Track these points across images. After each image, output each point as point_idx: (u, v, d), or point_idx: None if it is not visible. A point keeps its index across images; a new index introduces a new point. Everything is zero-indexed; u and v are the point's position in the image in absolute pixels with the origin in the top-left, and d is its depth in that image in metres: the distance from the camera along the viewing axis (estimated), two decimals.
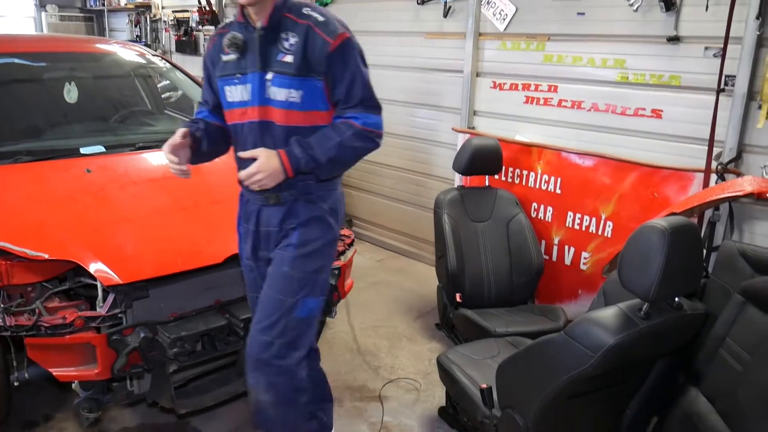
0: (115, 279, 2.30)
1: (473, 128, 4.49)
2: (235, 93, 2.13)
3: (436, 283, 3.86)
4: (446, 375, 2.80)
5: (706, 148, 3.18)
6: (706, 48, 3.27)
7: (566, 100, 3.93)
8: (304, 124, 2.08)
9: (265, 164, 2.00)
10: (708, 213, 3.24)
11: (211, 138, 2.24)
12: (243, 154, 2.08)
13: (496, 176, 3.98)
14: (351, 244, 3.18)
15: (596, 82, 3.77)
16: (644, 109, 3.56)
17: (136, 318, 2.38)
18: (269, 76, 2.04)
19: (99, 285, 2.34)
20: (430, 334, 3.83)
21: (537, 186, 3.95)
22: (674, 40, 3.36)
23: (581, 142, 3.82)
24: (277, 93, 2.05)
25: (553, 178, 3.85)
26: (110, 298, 2.34)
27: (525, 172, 4.01)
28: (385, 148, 5.17)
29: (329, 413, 2.59)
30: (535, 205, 3.97)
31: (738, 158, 3.21)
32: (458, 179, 4.34)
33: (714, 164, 3.19)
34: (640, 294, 2.02)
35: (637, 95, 3.59)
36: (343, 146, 2.05)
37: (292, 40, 2.03)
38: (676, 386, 2.72)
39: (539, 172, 3.92)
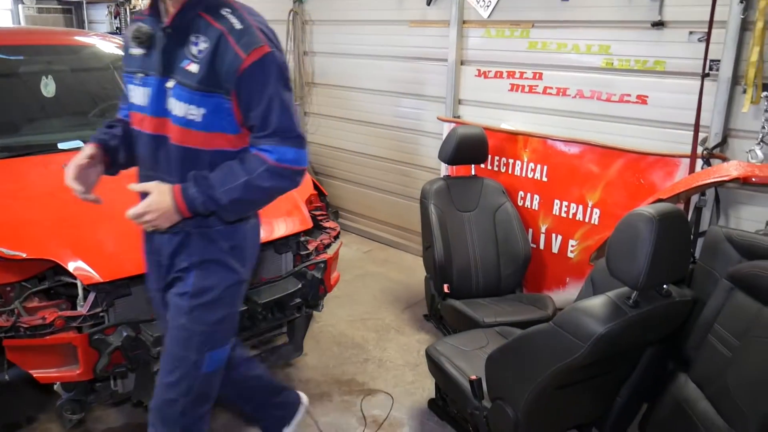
0: (96, 277, 2.24)
1: (458, 117, 4.46)
2: (136, 94, 1.85)
3: (423, 273, 3.84)
4: (435, 367, 2.78)
5: (692, 133, 3.17)
6: (691, 32, 3.25)
7: (551, 88, 3.90)
8: (204, 147, 1.79)
9: (157, 202, 1.74)
10: (694, 198, 3.24)
11: (130, 144, 1.96)
12: (135, 188, 1.80)
13: (482, 165, 3.96)
14: (337, 237, 3.15)
15: (581, 68, 3.74)
16: (629, 95, 3.55)
17: (119, 317, 2.33)
18: (170, 84, 1.75)
19: (79, 284, 2.28)
20: (418, 326, 3.81)
21: (523, 174, 3.93)
22: (659, 25, 3.34)
23: (567, 130, 3.80)
24: (176, 106, 1.75)
25: (539, 166, 3.83)
26: (91, 296, 2.29)
27: (511, 161, 3.99)
28: (370, 138, 5.20)
29: (287, 399, 2.54)
30: (521, 193, 3.95)
31: (723, 143, 3.20)
32: (444, 169, 4.31)
33: (700, 149, 3.18)
34: (629, 282, 2.00)
35: (623, 81, 3.57)
36: (251, 186, 1.76)
37: (202, 45, 1.72)
38: (666, 373, 2.72)
39: (525, 160, 3.90)
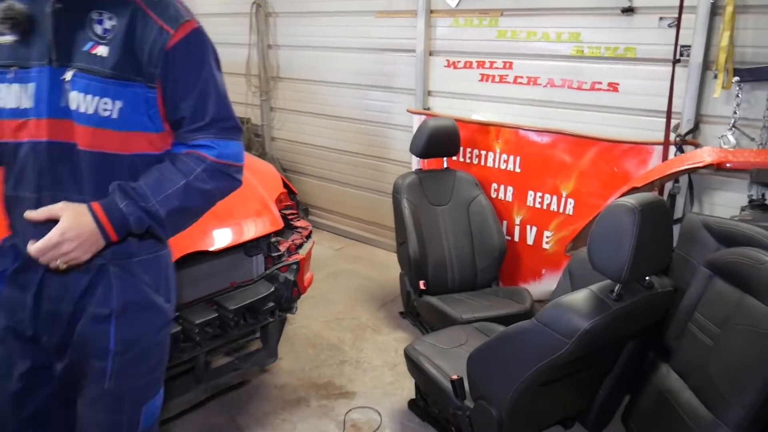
0: None
1: (428, 109, 4.38)
2: (7, 95, 1.43)
3: (397, 270, 3.77)
4: (414, 367, 2.71)
5: (664, 120, 3.15)
6: (661, 18, 3.22)
7: (522, 77, 3.85)
8: (122, 152, 1.45)
9: (73, 227, 1.34)
10: (668, 185, 3.22)
11: None
12: (32, 215, 1.35)
13: (455, 158, 3.89)
14: (309, 236, 3.04)
15: (551, 56, 3.70)
16: (601, 83, 3.51)
17: None
18: (68, 74, 1.38)
19: None
20: (394, 324, 3.73)
21: (496, 166, 3.87)
22: (628, 11, 3.30)
23: (539, 119, 3.76)
24: (82, 102, 1.39)
25: (512, 157, 3.78)
26: None
27: (483, 152, 3.93)
28: (338, 132, 5.10)
29: None
30: (495, 185, 3.90)
31: (695, 129, 3.19)
32: (416, 162, 4.23)
33: (672, 136, 3.16)
34: (612, 275, 1.95)
35: (593, 69, 3.53)
36: (191, 191, 1.47)
37: (108, 23, 1.40)
38: (647, 364, 2.70)
39: (498, 151, 3.84)
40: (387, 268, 4.51)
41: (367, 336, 3.58)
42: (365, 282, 4.32)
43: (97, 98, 1.39)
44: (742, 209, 2.87)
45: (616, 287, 1.99)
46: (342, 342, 3.50)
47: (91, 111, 1.39)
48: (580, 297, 2.03)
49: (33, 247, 1.33)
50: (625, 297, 2.00)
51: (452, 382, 2.43)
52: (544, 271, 3.77)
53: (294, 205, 3.22)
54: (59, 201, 1.38)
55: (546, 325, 2.02)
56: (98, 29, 1.40)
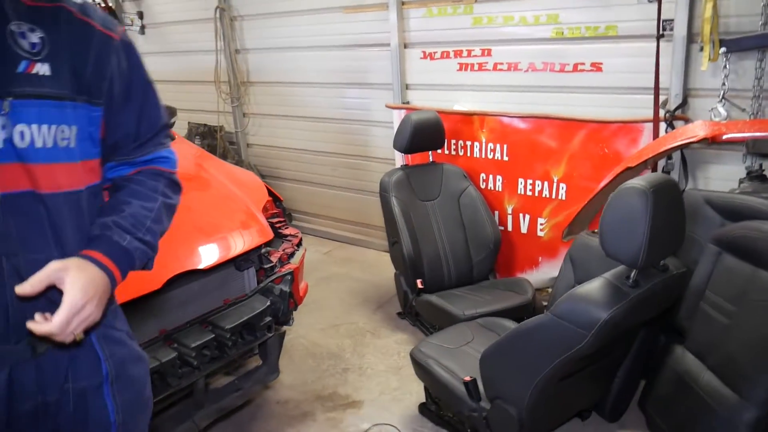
0: None
1: (407, 103, 4.28)
2: None
3: (388, 269, 3.67)
4: (423, 370, 2.62)
5: (652, 97, 3.09)
6: None
7: (502, 63, 3.76)
8: (80, 187, 1.24)
9: (90, 283, 1.15)
10: (661, 163, 3.17)
11: None
12: (26, 289, 1.10)
13: (439, 150, 3.80)
14: (300, 244, 2.92)
15: (531, 40, 3.62)
16: (583, 64, 3.44)
17: None
18: (5, 105, 1.10)
19: None
20: (393, 325, 3.63)
21: (483, 156, 3.79)
22: None
23: (523, 105, 3.68)
24: (36, 135, 1.13)
25: (498, 146, 3.70)
26: None
27: (469, 143, 3.84)
28: (317, 134, 4.97)
29: None
30: (483, 175, 3.82)
31: (684, 104, 3.14)
32: (399, 158, 4.13)
33: (662, 113, 3.11)
34: (628, 261, 1.88)
35: (575, 50, 3.46)
36: (166, 210, 1.36)
37: (33, 36, 1.15)
38: (660, 347, 2.64)
39: (483, 141, 3.76)
40: (378, 268, 4.41)
41: (366, 341, 3.47)
42: (358, 284, 4.21)
43: (54, 127, 1.16)
44: (741, 181, 2.83)
45: (632, 273, 1.92)
46: (342, 349, 3.39)
47: (50, 144, 1.16)
48: (595, 286, 1.95)
49: (55, 322, 1.09)
50: (641, 283, 1.93)
51: (466, 384, 2.34)
52: (540, 259, 3.71)
53: (280, 212, 3.10)
54: (33, 265, 1.13)
55: (563, 319, 1.94)
56: (25, 44, 1.14)
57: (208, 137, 5.57)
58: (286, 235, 2.93)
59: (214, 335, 2.33)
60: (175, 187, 1.42)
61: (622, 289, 1.91)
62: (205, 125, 5.63)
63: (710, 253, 2.45)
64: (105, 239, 1.23)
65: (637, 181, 1.84)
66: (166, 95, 5.00)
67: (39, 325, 1.10)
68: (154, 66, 6.25)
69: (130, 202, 1.31)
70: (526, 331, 2.08)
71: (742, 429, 2.07)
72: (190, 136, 5.52)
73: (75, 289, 1.12)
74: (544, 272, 3.70)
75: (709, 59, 2.94)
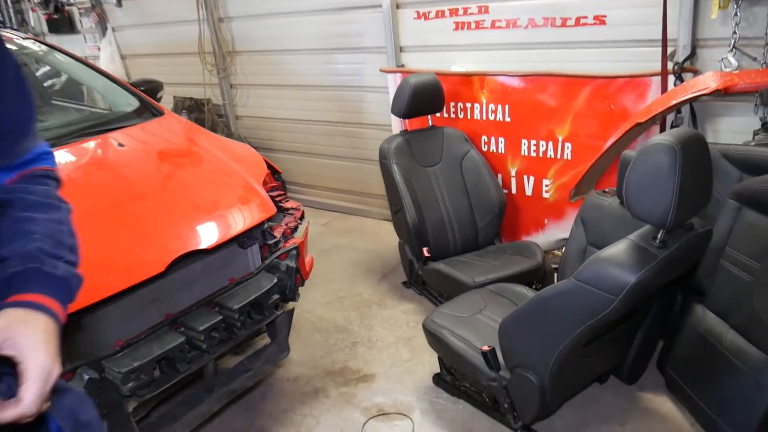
0: None
1: (402, 66, 4.14)
2: None
3: (390, 238, 3.58)
4: (437, 341, 2.55)
5: (658, 49, 2.99)
6: None
7: (500, 20, 3.62)
8: None
9: (44, 338, 0.95)
10: (669, 117, 3.08)
11: None
12: None
13: (438, 114, 3.68)
14: (302, 217, 2.82)
15: None
16: (586, 17, 3.31)
17: (74, 358, 1.97)
18: None
19: None
20: (398, 295, 3.56)
21: (484, 117, 3.67)
22: None
23: (524, 63, 3.55)
24: None
25: (500, 107, 3.58)
26: None
27: (468, 105, 3.72)
28: (308, 102, 4.82)
29: None
30: (485, 138, 3.71)
31: (693, 55, 3.03)
32: (396, 124, 4.01)
33: (670, 65, 3.00)
34: (656, 222, 1.79)
35: (576, 3, 3.32)
36: (69, 217, 1.17)
37: None
38: (678, 306, 2.59)
39: (484, 102, 3.64)
40: (379, 237, 4.33)
41: (373, 312, 3.40)
42: (359, 255, 4.12)
43: None
44: (756, 133, 2.75)
45: (660, 234, 1.84)
46: (349, 322, 3.32)
47: None
48: (621, 249, 1.87)
49: (27, 402, 0.89)
50: (669, 243, 1.85)
51: (484, 353, 2.27)
52: (546, 221, 3.63)
53: (280, 185, 2.99)
54: None
55: (588, 284, 1.86)
56: None
57: (195, 111, 5.40)
58: (288, 209, 2.82)
59: (221, 316, 2.24)
60: (59, 185, 1.21)
61: (650, 250, 1.83)
62: (191, 99, 5.45)
63: (730, 208, 2.38)
64: (34, 274, 1.01)
65: (664, 137, 1.75)
66: (148, 69, 4.83)
67: (3, 412, 0.88)
68: (133, 39, 6.08)
69: (33, 218, 1.07)
70: (548, 297, 2.01)
71: None
72: (176, 111, 5.34)
73: (38, 353, 0.92)
74: (550, 234, 3.63)
75: (719, 7, 2.83)
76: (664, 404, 2.49)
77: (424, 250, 3.30)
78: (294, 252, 2.60)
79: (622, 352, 2.50)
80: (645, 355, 2.58)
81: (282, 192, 2.92)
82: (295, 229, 2.75)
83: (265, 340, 2.72)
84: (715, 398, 2.23)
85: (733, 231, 2.35)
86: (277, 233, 2.62)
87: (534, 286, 3.03)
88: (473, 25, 3.74)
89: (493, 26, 3.66)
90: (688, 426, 2.35)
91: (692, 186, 1.75)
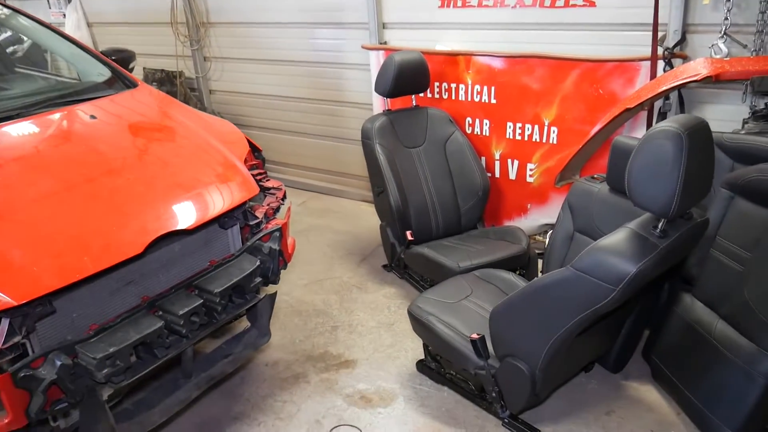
0: (6, 300, 1.73)
1: (385, 43, 4.02)
2: None
3: (369, 220, 3.50)
4: (423, 328, 2.49)
5: (648, 33, 2.95)
6: None
7: None
8: None
9: None
10: (657, 103, 3.05)
11: None
12: None
13: (421, 94, 3.59)
14: (284, 198, 2.72)
15: None
16: None
17: (46, 343, 1.85)
18: None
19: None
20: (379, 279, 3.49)
21: (469, 99, 3.60)
22: None
23: (511, 44, 3.48)
24: None
25: (485, 88, 3.51)
26: (4, 325, 1.78)
27: (453, 85, 3.64)
28: (286, 78, 4.67)
29: None
30: (469, 119, 3.64)
31: (683, 40, 2.99)
32: (378, 103, 3.91)
33: (660, 50, 2.96)
34: (658, 211, 1.75)
35: None
36: None
37: None
38: (665, 296, 2.58)
39: (469, 83, 3.56)
40: (357, 218, 4.24)
41: (354, 296, 3.33)
42: (338, 236, 4.03)
43: None
44: (745, 122, 2.73)
45: (661, 223, 1.80)
46: (329, 306, 3.24)
47: None
48: (620, 238, 1.82)
49: None
50: (670, 233, 1.81)
51: (473, 342, 2.22)
52: (529, 205, 3.60)
53: (260, 163, 2.88)
54: None
55: (587, 273, 1.81)
56: None
57: (166, 83, 5.20)
58: (270, 188, 2.72)
59: (202, 300, 2.13)
60: None
61: (650, 240, 1.79)
62: (162, 71, 5.24)
63: (722, 197, 2.36)
64: None
65: (670, 124, 1.70)
66: (116, 38, 4.58)
67: None
68: (101, 6, 5.79)
69: None
70: (544, 286, 1.96)
71: (761, 379, 2.02)
72: (146, 83, 5.14)
73: None
74: (533, 219, 3.60)
75: None
76: (649, 393, 2.48)
77: (408, 233, 3.23)
78: (277, 233, 2.50)
79: (610, 341, 2.48)
80: (631, 343, 2.57)
81: (263, 171, 2.81)
82: (277, 209, 2.64)
83: (244, 324, 2.62)
84: (703, 388, 2.22)
85: (724, 220, 2.34)
86: (259, 214, 2.51)
87: (518, 272, 2.99)
88: (459, 3, 3.64)
89: (480, 4, 3.57)
90: (674, 415, 2.35)
91: (696, 175, 1.71)
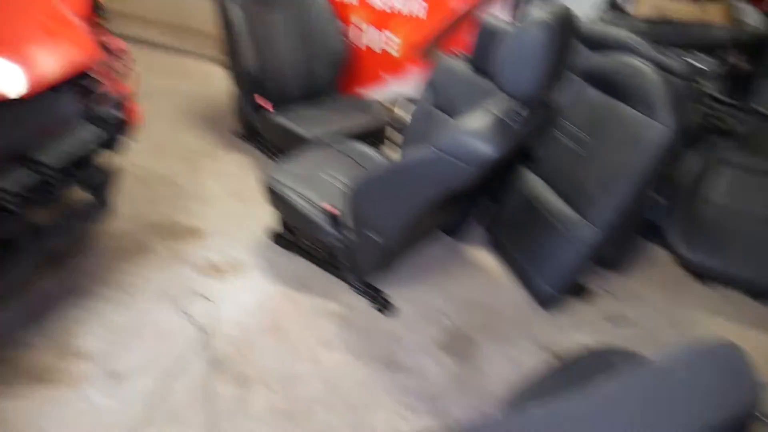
0: None
1: None
2: None
3: (218, 83, 3.29)
4: (280, 200, 2.45)
5: None
6: None
7: None
8: None
9: None
10: None
11: None
12: None
13: None
14: (129, 60, 2.42)
15: None
16: None
17: None
18: None
19: None
20: (228, 146, 3.34)
21: None
22: None
23: None
24: None
25: None
26: None
27: None
28: None
29: None
30: None
31: None
32: None
33: None
34: (523, 96, 1.80)
35: None
36: None
37: None
38: (512, 173, 2.74)
39: None
40: (203, 80, 3.95)
41: (203, 164, 3.16)
42: (183, 100, 3.75)
43: None
44: (603, 12, 2.84)
45: (524, 110, 1.86)
46: (175, 174, 3.06)
47: None
48: (482, 122, 1.86)
49: None
50: (528, 119, 1.88)
51: (333, 216, 2.24)
52: (386, 75, 3.55)
53: (101, 20, 2.51)
54: None
55: (449, 154, 1.85)
56: None
57: None
58: (113, 50, 2.39)
59: (38, 175, 1.89)
60: None
61: (509, 124, 1.85)
62: None
63: (574, 83, 2.48)
64: None
65: (543, 14, 1.71)
66: None
67: None
68: None
69: None
70: (406, 166, 1.99)
71: (578, 243, 2.30)
72: None
73: None
74: (388, 90, 3.58)
75: None
76: (485, 259, 2.72)
77: (261, 100, 3.06)
78: (120, 101, 2.24)
79: (456, 212, 2.62)
80: (472, 213, 2.74)
81: (105, 30, 2.46)
82: (121, 74, 2.36)
83: (82, 194, 2.39)
84: (530, 252, 2.51)
85: (574, 106, 2.47)
86: (102, 79, 2.22)
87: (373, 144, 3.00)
88: None
89: None
90: (505, 278, 2.61)
91: (557, 63, 1.76)
